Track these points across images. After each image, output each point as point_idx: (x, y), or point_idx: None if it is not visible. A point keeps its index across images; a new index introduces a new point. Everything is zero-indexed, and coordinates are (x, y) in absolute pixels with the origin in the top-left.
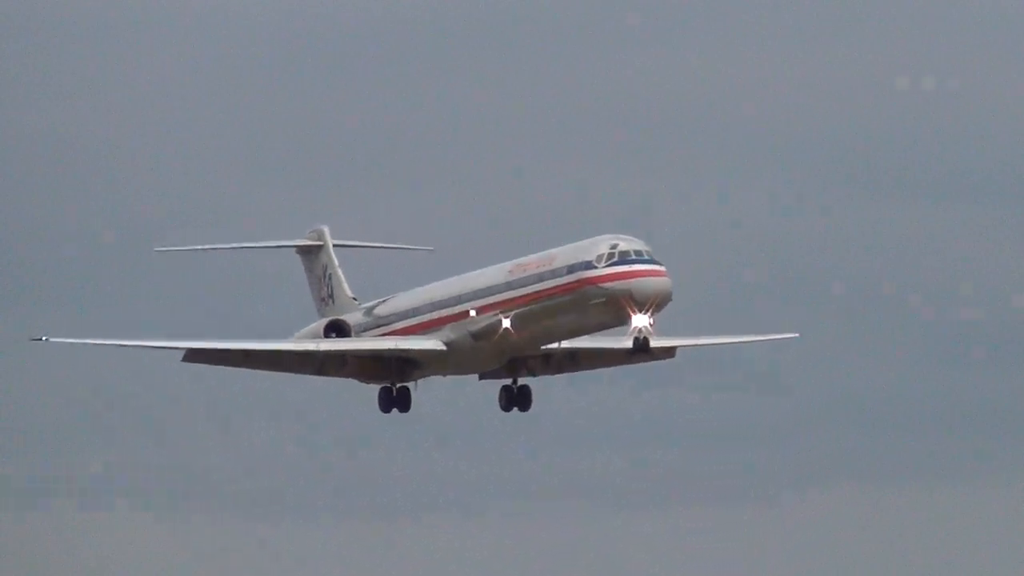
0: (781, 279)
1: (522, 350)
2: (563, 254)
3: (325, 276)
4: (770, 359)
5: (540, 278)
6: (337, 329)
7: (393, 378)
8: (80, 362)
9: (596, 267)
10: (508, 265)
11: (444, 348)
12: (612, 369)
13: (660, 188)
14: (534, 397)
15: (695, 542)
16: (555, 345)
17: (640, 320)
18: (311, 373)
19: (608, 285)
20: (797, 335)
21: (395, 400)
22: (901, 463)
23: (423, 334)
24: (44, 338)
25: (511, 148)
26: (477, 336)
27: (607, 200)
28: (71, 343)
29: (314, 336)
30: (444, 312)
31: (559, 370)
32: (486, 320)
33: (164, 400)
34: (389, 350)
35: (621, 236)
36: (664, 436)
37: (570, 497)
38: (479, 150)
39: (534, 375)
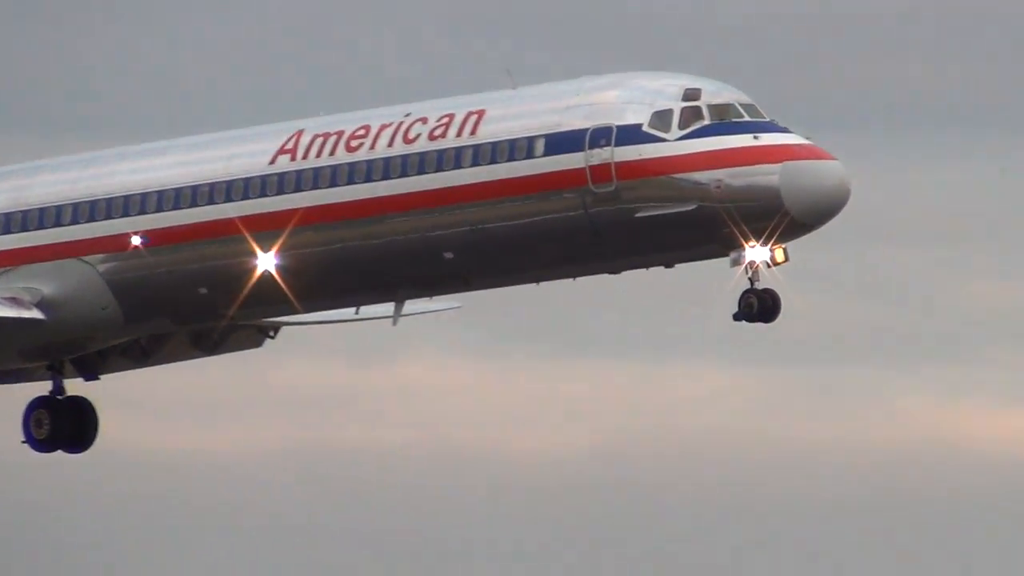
0: None
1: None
2: (513, 108)
3: None
4: None
5: (452, 159)
6: None
7: None
8: None
9: (664, 139)
10: (286, 128)
11: (41, 317)
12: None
13: None
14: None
15: None
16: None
17: (759, 254)
18: None
19: (702, 176)
20: (459, 305)
21: None
22: None
23: None
24: None
25: None
26: (143, 287)
27: None
28: None
29: None
30: (31, 238)
31: (118, 365)
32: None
33: None
34: None
35: (688, 76)
36: None
37: None
38: None
39: (95, 376)
